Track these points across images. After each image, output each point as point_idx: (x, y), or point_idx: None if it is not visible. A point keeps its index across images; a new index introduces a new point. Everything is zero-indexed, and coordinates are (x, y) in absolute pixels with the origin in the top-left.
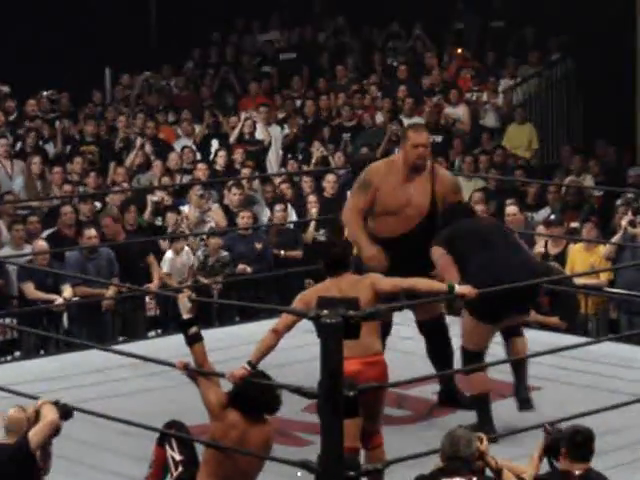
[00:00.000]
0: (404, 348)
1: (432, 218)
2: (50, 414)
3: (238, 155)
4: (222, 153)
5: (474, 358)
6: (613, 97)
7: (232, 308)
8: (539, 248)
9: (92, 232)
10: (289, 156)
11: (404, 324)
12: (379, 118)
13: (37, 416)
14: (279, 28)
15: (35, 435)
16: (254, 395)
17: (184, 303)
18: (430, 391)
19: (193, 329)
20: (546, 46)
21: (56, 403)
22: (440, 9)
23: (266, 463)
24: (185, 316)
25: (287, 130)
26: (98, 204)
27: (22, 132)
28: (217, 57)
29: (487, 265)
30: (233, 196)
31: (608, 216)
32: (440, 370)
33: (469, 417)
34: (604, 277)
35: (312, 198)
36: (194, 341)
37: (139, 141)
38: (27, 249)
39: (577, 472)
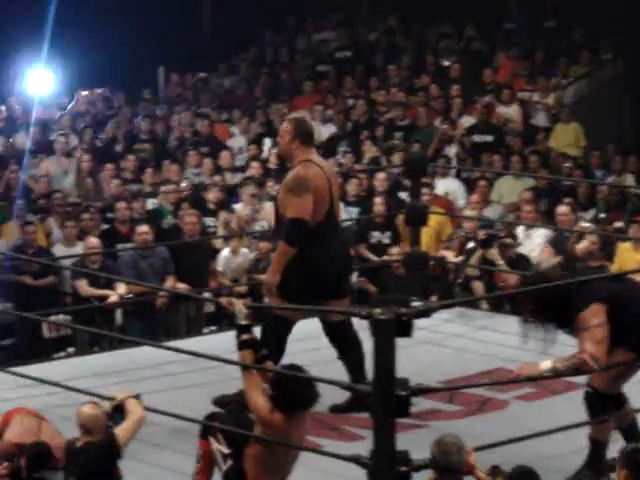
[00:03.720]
0: (456, 345)
1: (278, 224)
2: (138, 410)
3: None
4: (275, 151)
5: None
6: None
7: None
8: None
9: (144, 228)
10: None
11: (455, 321)
12: (430, 118)
13: (115, 411)
14: (333, 28)
15: (126, 432)
16: (294, 391)
17: (240, 309)
18: (481, 387)
19: (245, 336)
20: (597, 46)
21: (137, 397)
22: (491, 9)
23: (311, 457)
24: (242, 322)
25: (335, 129)
26: (154, 201)
27: (79, 129)
28: (271, 56)
29: None
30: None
31: None
32: (352, 371)
33: (520, 412)
34: None
35: (379, 199)
36: (244, 347)
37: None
38: (79, 246)
39: None
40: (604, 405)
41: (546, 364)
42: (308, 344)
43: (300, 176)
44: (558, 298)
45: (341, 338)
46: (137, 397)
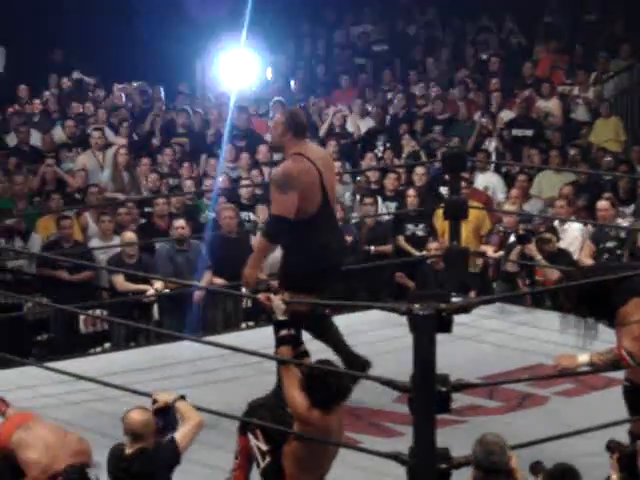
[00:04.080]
0: (495, 341)
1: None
2: (195, 415)
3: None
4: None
5: None
6: None
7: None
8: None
9: (181, 222)
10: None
11: (495, 317)
12: (470, 112)
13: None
14: (371, 21)
15: (186, 438)
16: (328, 386)
17: (278, 305)
18: (522, 384)
19: (284, 331)
20: (637, 40)
21: (183, 397)
22: (531, 2)
23: (350, 455)
24: (280, 318)
25: (373, 123)
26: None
27: (115, 123)
28: (309, 49)
29: None
30: None
31: None
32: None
33: (560, 408)
34: None
35: (412, 192)
36: (283, 343)
37: None
38: (116, 240)
39: None
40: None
41: (584, 357)
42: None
43: (287, 172)
44: (598, 293)
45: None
46: (183, 398)
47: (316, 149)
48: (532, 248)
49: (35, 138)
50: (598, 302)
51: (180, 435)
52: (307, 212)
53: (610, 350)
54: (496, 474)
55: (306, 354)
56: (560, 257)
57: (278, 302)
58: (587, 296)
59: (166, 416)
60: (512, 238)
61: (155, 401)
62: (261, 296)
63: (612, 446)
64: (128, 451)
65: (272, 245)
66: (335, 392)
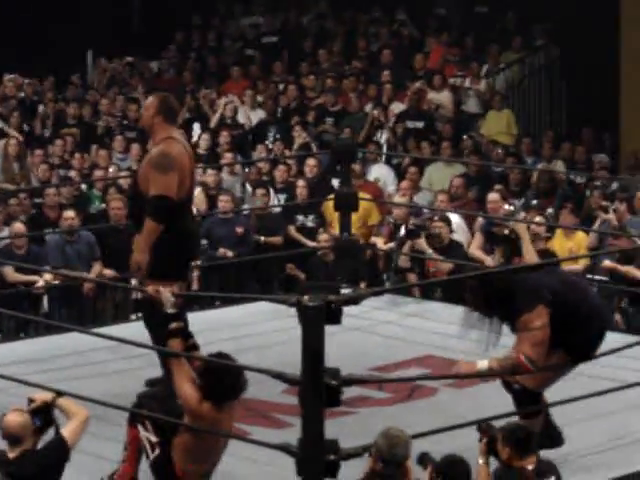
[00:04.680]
0: (385, 332)
1: (135, 200)
2: (82, 411)
3: (222, 138)
4: (205, 137)
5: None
6: (597, 83)
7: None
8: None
9: (70, 214)
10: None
11: (385, 309)
12: (362, 103)
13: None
14: (262, 12)
15: (74, 435)
16: (223, 381)
17: (167, 297)
18: (411, 374)
19: (173, 324)
20: (530, 32)
21: (60, 394)
22: None
23: (240, 446)
24: (169, 310)
25: (264, 114)
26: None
27: (5, 113)
28: (199, 41)
29: None
30: (209, 177)
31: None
32: None
33: (450, 400)
34: (582, 263)
35: (301, 183)
36: (173, 335)
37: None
38: (6, 231)
39: (530, 466)
40: (535, 403)
41: (482, 364)
42: (225, 333)
43: (165, 153)
44: (506, 296)
45: None
46: (60, 395)
47: (182, 137)
48: (422, 242)
49: None
50: (505, 304)
51: (67, 431)
52: (179, 197)
53: (509, 356)
54: (396, 466)
55: (195, 347)
56: (452, 249)
57: (167, 295)
58: (496, 298)
59: (45, 415)
60: (402, 231)
61: (31, 401)
62: (150, 289)
63: (482, 429)
64: (11, 455)
65: (159, 227)
66: (230, 388)
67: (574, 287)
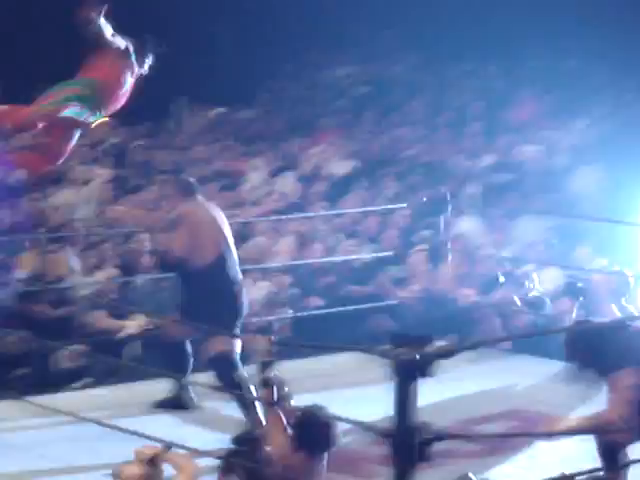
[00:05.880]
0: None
1: None
2: (190, 465)
3: (313, 188)
4: (297, 186)
5: None
6: None
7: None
8: None
9: None
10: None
11: (474, 361)
12: (452, 155)
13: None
14: (353, 62)
15: None
16: (317, 433)
17: (263, 346)
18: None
19: (267, 373)
20: (621, 85)
21: (169, 448)
22: (514, 46)
23: None
24: (264, 359)
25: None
26: None
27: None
28: (292, 90)
29: None
30: (300, 226)
31: None
32: None
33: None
34: None
35: (392, 233)
36: (266, 385)
37: None
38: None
39: None
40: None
41: (572, 420)
42: (315, 383)
43: None
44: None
45: None
46: (169, 448)
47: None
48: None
49: None
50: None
51: None
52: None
53: (597, 415)
54: None
55: (288, 397)
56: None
57: (263, 343)
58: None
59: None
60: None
61: (141, 454)
62: (250, 337)
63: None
64: None
65: None
66: (324, 440)
67: None
